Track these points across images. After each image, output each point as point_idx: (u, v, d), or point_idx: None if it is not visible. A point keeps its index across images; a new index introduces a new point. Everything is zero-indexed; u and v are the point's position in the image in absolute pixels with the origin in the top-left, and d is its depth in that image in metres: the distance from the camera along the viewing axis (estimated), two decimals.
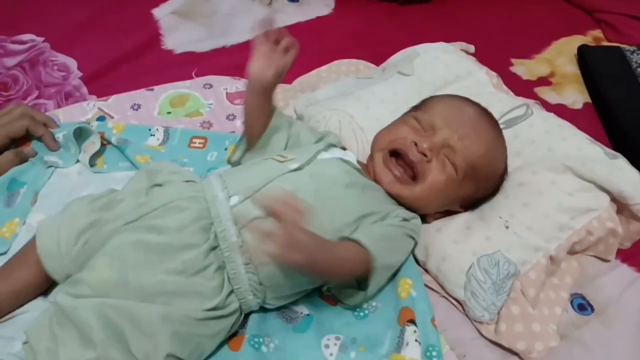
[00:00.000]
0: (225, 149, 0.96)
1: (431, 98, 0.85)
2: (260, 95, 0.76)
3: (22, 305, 0.70)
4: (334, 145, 0.81)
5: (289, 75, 1.10)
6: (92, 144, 0.91)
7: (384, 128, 0.81)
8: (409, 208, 0.77)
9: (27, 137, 0.87)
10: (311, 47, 1.25)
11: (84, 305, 0.60)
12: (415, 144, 0.74)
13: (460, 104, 0.80)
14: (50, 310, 0.63)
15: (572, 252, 0.81)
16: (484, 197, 0.82)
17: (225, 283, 0.65)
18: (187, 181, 0.71)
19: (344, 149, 0.82)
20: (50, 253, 0.67)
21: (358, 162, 0.80)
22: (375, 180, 0.77)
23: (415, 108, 0.83)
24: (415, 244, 0.78)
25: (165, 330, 0.61)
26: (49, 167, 0.88)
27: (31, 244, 0.69)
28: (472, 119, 0.78)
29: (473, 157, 0.75)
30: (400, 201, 0.77)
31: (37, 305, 0.70)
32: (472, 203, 0.81)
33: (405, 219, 0.75)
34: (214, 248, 0.65)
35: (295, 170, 0.72)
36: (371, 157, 0.80)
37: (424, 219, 0.80)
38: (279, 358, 0.68)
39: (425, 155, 0.74)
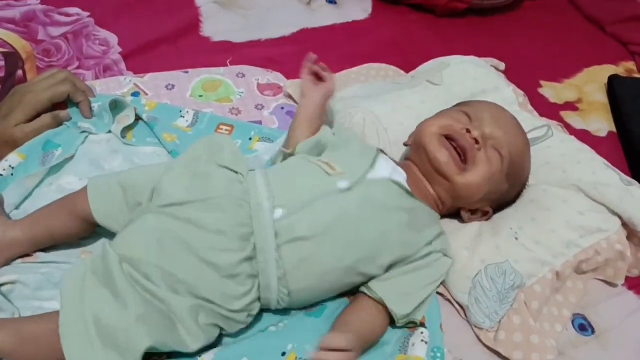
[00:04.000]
0: (250, 138, 0.99)
1: (471, 100, 0.89)
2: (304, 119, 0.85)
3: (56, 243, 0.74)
4: (382, 152, 0.80)
5: None
6: (126, 117, 0.94)
7: (430, 118, 0.82)
8: (454, 198, 0.78)
9: (64, 101, 0.89)
10: (344, 48, 1.28)
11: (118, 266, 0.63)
12: (468, 131, 0.76)
13: (502, 108, 0.85)
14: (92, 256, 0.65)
15: (579, 271, 0.81)
16: (506, 202, 0.84)
17: (254, 290, 0.66)
18: (235, 171, 0.70)
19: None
20: (101, 203, 0.71)
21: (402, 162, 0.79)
22: (430, 164, 0.76)
23: (452, 107, 0.86)
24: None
25: (197, 320, 0.63)
26: (82, 132, 0.91)
27: (80, 194, 0.72)
28: (513, 121, 0.83)
29: (514, 152, 0.78)
30: (447, 189, 0.76)
31: None
32: (498, 205, 0.83)
33: (442, 248, 0.75)
34: (250, 258, 0.65)
35: (344, 190, 0.70)
36: (419, 145, 0.79)
37: (459, 217, 0.82)
38: (286, 337, 0.69)
39: (477, 142, 0.76)
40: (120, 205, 0.71)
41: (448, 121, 0.79)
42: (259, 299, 0.68)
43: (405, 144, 0.86)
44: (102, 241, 0.77)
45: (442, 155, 0.76)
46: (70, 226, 0.73)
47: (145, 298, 0.61)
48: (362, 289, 0.72)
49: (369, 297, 0.71)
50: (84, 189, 0.72)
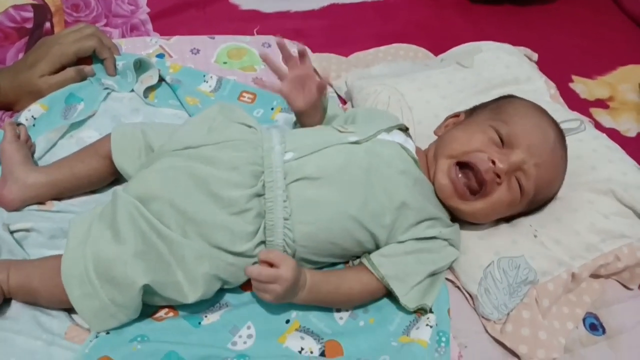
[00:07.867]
0: (272, 108, 0.98)
1: (511, 103, 0.78)
2: (300, 115, 0.82)
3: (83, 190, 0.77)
4: (400, 129, 0.79)
5: (346, 49, 1.13)
6: (150, 77, 0.94)
7: (456, 131, 0.76)
8: (458, 217, 0.76)
9: (89, 57, 0.90)
10: (373, 27, 1.26)
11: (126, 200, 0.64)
12: (493, 162, 0.71)
13: (544, 125, 0.75)
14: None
15: (596, 274, 0.79)
16: (527, 213, 0.80)
17: (260, 232, 0.67)
18: (249, 126, 0.73)
19: (406, 129, 0.81)
20: (122, 150, 0.74)
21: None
22: (431, 179, 0.75)
23: (491, 110, 0.78)
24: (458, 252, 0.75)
25: (199, 268, 0.63)
26: (105, 89, 0.92)
27: (106, 139, 0.76)
28: (552, 146, 0.74)
29: (541, 186, 0.74)
30: (451, 211, 0.75)
31: None
32: (515, 217, 0.80)
33: (445, 227, 0.74)
34: (259, 195, 0.67)
35: (353, 142, 0.72)
36: (435, 158, 0.76)
37: None
38: (291, 305, 0.69)
39: (499, 176, 0.71)
40: (139, 148, 0.74)
41: (476, 144, 0.72)
42: (264, 243, 0.68)
43: (435, 134, 0.82)
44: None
45: (445, 184, 0.73)
46: (95, 166, 0.76)
47: (146, 238, 0.62)
48: (365, 262, 0.71)
49: (369, 271, 0.70)
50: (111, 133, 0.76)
